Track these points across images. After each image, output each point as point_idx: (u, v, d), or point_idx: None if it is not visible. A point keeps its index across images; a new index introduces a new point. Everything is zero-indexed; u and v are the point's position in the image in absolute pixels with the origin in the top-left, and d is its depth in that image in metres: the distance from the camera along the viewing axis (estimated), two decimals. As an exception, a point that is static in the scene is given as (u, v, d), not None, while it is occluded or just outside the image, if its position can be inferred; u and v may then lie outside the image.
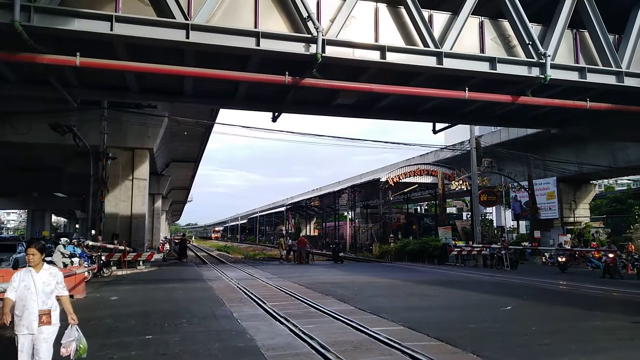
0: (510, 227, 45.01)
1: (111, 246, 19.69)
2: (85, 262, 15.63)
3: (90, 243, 17.96)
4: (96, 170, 21.41)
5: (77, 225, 59.20)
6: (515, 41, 12.34)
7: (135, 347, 6.82)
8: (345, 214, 56.99)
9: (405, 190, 41.14)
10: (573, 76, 12.89)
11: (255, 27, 10.43)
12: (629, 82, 13.15)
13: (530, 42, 12.03)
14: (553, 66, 12.29)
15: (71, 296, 11.88)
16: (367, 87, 12.39)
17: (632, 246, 21.12)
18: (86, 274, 15.33)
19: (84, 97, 15.16)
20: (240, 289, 14.01)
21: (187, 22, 9.84)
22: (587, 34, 13.11)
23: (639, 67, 13.49)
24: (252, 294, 12.60)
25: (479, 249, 25.57)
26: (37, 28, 9.25)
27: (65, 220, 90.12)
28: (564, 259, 21.34)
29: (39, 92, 13.74)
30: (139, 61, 10.76)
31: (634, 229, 27.94)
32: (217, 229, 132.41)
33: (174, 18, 9.78)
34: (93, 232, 20.87)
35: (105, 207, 21.59)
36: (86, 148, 20.86)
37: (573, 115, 17.04)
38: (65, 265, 14.23)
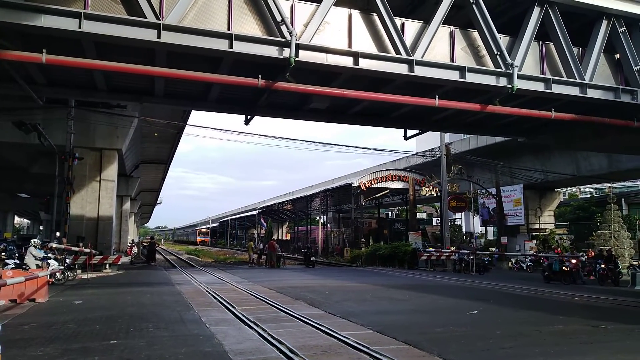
0: (478, 233, 45.93)
1: (76, 249, 19.17)
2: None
3: (54, 245, 17.43)
4: (62, 170, 20.82)
5: (41, 227, 57.40)
6: (484, 51, 12.65)
7: (98, 353, 6.65)
8: (318, 218, 57.08)
9: (377, 196, 41.50)
10: (539, 87, 13.29)
11: (229, 29, 10.39)
12: (591, 93, 13.63)
13: (499, 53, 12.34)
14: (520, 76, 12.63)
15: (33, 300, 11.55)
16: (340, 93, 12.47)
17: (592, 252, 21.78)
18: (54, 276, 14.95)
19: (50, 96, 14.74)
20: (209, 293, 13.84)
21: (158, 21, 9.72)
22: (552, 46, 13.55)
23: (601, 79, 14.03)
24: (221, 298, 12.46)
25: (448, 254, 25.99)
26: (2, 23, 8.98)
27: (29, 221, 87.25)
28: (572, 266, 18.97)
29: (3, 89, 13.32)
30: (108, 60, 10.57)
31: (595, 236, 28.86)
32: (203, 229, 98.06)
33: (145, 17, 9.64)
34: (58, 234, 20.28)
35: (71, 208, 21.02)
36: (52, 148, 20.27)
37: (539, 125, 17.54)
38: (38, 268, 13.81)
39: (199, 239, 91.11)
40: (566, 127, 16.95)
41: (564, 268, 19.09)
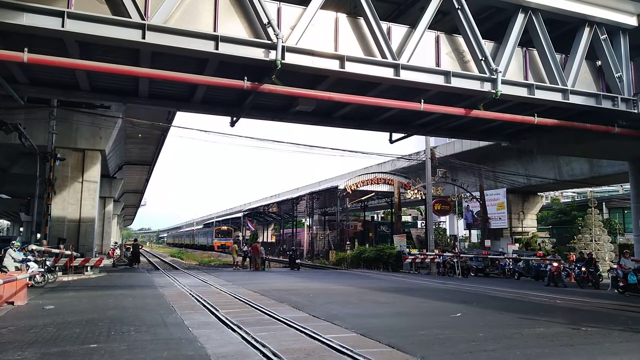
0: (462, 236, 46.32)
1: (56, 251, 18.86)
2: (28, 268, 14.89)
3: (34, 247, 17.13)
4: (43, 171, 20.48)
5: (21, 229, 56.34)
6: (469, 56, 12.79)
7: (78, 357, 6.54)
8: (303, 220, 57.00)
9: (363, 198, 41.62)
10: (522, 92, 13.48)
11: (215, 31, 10.35)
12: (573, 99, 13.87)
13: (483, 58, 12.49)
14: (504, 82, 12.81)
15: (11, 303, 11.32)
16: (326, 96, 12.49)
17: (573, 256, 22.08)
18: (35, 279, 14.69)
19: (32, 95, 14.51)
20: (192, 296, 13.72)
21: (143, 22, 9.65)
22: (536, 53, 13.75)
23: (583, 85, 14.29)
24: (204, 301, 12.35)
25: (432, 256, 26.14)
26: (-18, 21, 8.83)
27: (9, 223, 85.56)
28: (553, 269, 18.56)
29: (-17, 87, 13.03)
30: (92, 59, 10.45)
31: (577, 239, 29.30)
32: (224, 227, 63.48)
33: (130, 17, 9.56)
34: (38, 235, 19.92)
35: (52, 210, 20.67)
36: (33, 148, 19.93)
37: (522, 130, 17.79)
38: (17, 270, 13.53)
39: (216, 241, 58.18)
40: (548, 132, 17.21)
41: None
